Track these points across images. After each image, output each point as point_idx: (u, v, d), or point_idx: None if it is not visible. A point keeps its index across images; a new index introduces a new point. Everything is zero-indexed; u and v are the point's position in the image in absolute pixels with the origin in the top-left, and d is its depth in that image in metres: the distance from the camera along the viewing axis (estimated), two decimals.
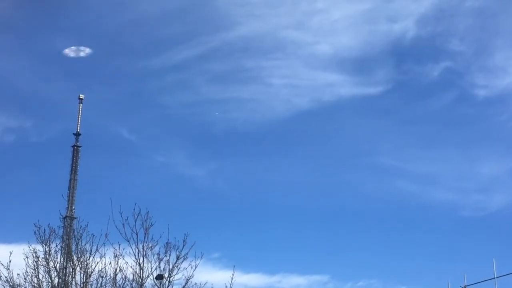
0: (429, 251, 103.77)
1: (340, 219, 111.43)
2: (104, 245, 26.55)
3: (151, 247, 26.57)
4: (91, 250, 26.48)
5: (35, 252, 26.93)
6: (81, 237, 26.81)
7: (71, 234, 28.39)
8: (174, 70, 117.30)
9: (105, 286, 26.50)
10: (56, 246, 27.47)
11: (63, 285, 27.03)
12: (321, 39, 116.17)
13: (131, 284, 26.51)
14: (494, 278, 32.83)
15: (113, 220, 26.36)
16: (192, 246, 26.77)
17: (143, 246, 26.48)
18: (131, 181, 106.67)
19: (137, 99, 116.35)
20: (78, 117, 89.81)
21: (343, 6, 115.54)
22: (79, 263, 26.52)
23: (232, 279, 27.20)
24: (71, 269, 27.00)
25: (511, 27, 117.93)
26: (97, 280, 26.44)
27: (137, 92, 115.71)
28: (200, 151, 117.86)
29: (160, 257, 26.61)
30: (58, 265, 27.39)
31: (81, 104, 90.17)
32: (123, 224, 26.39)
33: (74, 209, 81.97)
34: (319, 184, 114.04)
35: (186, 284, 26.69)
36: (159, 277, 26.56)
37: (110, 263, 26.48)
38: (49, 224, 27.35)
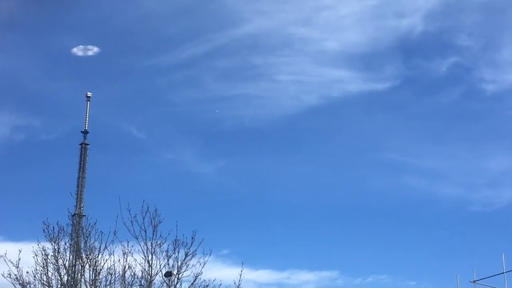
0: (438, 247, 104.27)
1: (349, 215, 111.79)
2: (113, 243, 26.94)
3: (160, 244, 26.96)
4: (100, 248, 26.85)
5: (44, 250, 27.30)
6: (89, 234, 27.19)
7: (79, 231, 28.85)
8: (182, 68, 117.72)
9: (114, 284, 26.89)
10: (65, 243, 27.87)
11: (72, 283, 27.35)
12: (329, 35, 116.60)
13: (140, 281, 26.91)
14: (503, 273, 33.34)
15: (122, 218, 26.82)
16: (200, 243, 27.17)
17: (151, 243, 26.90)
18: (139, 179, 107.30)
19: (145, 96, 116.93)
20: (86, 115, 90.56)
21: (351, 2, 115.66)
22: (88, 260, 26.88)
23: (241, 276, 27.57)
24: (80, 266, 27.35)
25: None
26: (106, 278, 26.84)
27: (145, 90, 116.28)
28: (208, 148, 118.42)
29: (168, 254, 26.98)
30: (67, 262, 27.79)
31: (88, 102, 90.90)
32: (131, 221, 26.82)
33: (82, 207, 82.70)
34: (327, 181, 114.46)
35: (194, 281, 27.11)
36: (168, 274, 26.91)
37: (119, 260, 26.87)
38: (58, 222, 27.74)
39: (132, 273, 26.86)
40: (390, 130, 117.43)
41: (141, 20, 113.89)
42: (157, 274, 26.91)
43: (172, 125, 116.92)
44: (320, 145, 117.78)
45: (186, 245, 27.06)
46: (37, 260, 27.29)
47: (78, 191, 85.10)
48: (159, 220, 27.01)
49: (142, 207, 26.90)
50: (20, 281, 27.15)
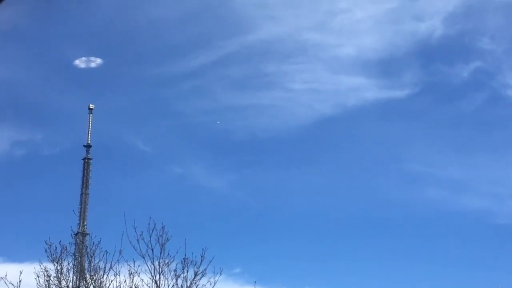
0: (462, 261, 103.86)
1: (367, 229, 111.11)
2: (119, 262, 26.86)
3: (168, 263, 26.83)
4: (105, 268, 26.80)
5: (47, 271, 27.33)
6: (94, 254, 27.12)
7: (83, 251, 28.71)
8: (190, 77, 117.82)
9: None
10: (68, 264, 27.84)
11: None
12: (344, 41, 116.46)
13: None
14: None
15: (127, 236, 26.67)
16: (210, 262, 27.03)
17: (159, 263, 26.75)
18: (146, 195, 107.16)
19: (152, 108, 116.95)
20: (88, 128, 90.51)
21: (367, 5, 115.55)
22: (93, 281, 26.79)
23: None
24: None
25: None
26: None
27: (152, 101, 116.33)
28: (219, 161, 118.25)
29: (177, 274, 26.93)
30: (70, 284, 27.71)
31: (91, 115, 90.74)
32: (137, 239, 26.69)
33: (86, 225, 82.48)
34: (344, 193, 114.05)
35: None
36: None
37: (125, 281, 26.81)
38: (60, 241, 27.73)
39: None
40: (410, 139, 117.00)
41: (147, 28, 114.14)
42: None
43: (180, 138, 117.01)
44: (336, 156, 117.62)
45: (196, 264, 26.98)
46: (39, 282, 27.35)
47: (81, 208, 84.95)
48: (167, 238, 26.92)
49: (149, 224, 26.81)
50: None
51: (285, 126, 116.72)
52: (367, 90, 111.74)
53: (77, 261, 28.91)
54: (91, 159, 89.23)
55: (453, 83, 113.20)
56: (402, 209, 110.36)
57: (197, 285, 26.92)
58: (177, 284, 26.81)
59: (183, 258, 26.94)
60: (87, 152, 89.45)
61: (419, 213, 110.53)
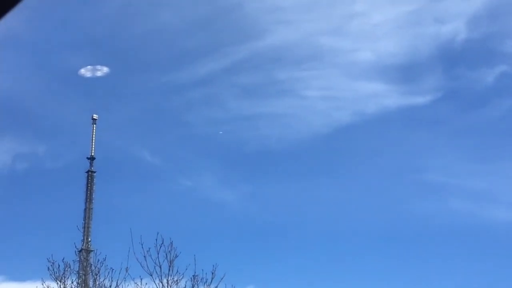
0: (489, 276, 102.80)
1: (388, 243, 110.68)
2: (125, 280, 26.86)
3: (177, 281, 26.79)
4: (110, 286, 26.71)
5: None
6: (99, 272, 27.10)
7: (88, 269, 28.64)
8: (200, 85, 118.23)
9: None
10: (72, 282, 27.80)
11: None
12: (362, 45, 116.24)
13: None
14: None
15: (134, 253, 26.64)
16: (222, 279, 26.97)
17: (167, 280, 26.67)
18: (153, 209, 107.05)
19: (159, 118, 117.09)
20: (92, 140, 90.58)
21: (385, 8, 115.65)
22: None
23: None
24: None
25: None
26: None
27: (160, 110, 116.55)
28: (230, 173, 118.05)
29: None
30: None
31: (94, 125, 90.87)
32: (145, 256, 26.64)
33: (90, 241, 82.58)
34: (363, 206, 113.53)
35: None
36: None
37: None
38: (63, 259, 27.68)
39: None
40: (432, 148, 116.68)
41: (154, 34, 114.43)
42: None
43: (189, 149, 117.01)
44: (354, 167, 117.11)
45: (206, 282, 26.95)
46: None
47: (85, 223, 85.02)
48: (176, 254, 26.88)
49: (156, 240, 26.79)
50: None
51: (299, 136, 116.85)
52: (386, 96, 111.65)
53: (81, 280, 28.84)
54: (95, 172, 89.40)
55: (477, 89, 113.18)
56: (424, 222, 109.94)
57: None
58: None
59: (193, 275, 26.93)
60: (91, 164, 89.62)
61: (441, 226, 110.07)
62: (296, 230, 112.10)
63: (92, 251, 65.62)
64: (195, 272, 26.90)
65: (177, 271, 26.76)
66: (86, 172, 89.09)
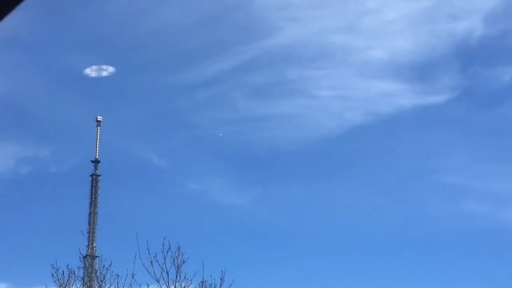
0: (506, 281, 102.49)
1: (402, 246, 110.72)
2: (131, 287, 26.79)
3: (184, 287, 26.73)
4: None
5: None
6: (104, 278, 27.13)
7: (93, 275, 28.66)
8: (207, 85, 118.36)
9: None
10: None
11: None
12: (374, 43, 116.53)
13: None
14: None
15: (140, 258, 26.69)
16: (231, 285, 27.05)
17: (175, 287, 26.67)
18: (160, 213, 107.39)
19: (166, 119, 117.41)
20: (96, 142, 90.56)
21: (398, 4, 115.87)
22: None
23: None
24: None
25: None
26: None
27: (166, 112, 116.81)
28: (239, 175, 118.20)
29: None
30: None
31: (99, 127, 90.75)
32: (151, 262, 26.70)
33: (95, 246, 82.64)
34: (376, 208, 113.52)
35: None
36: None
37: None
38: (68, 265, 27.78)
39: None
40: (448, 148, 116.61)
41: (160, 33, 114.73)
42: None
43: (197, 151, 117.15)
44: (367, 168, 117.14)
45: None
46: None
47: (89, 229, 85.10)
48: (183, 260, 26.93)
49: (163, 245, 26.85)
50: None
51: (310, 137, 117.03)
52: (400, 96, 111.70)
53: (86, 286, 28.85)
54: (99, 175, 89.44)
55: (494, 87, 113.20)
56: (440, 224, 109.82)
57: None
58: None
59: (201, 281, 26.96)
60: (95, 168, 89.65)
61: (458, 229, 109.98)
62: (307, 233, 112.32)
63: (97, 256, 65.57)
64: (203, 278, 27.00)
65: (185, 277, 26.85)
66: (91, 175, 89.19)
